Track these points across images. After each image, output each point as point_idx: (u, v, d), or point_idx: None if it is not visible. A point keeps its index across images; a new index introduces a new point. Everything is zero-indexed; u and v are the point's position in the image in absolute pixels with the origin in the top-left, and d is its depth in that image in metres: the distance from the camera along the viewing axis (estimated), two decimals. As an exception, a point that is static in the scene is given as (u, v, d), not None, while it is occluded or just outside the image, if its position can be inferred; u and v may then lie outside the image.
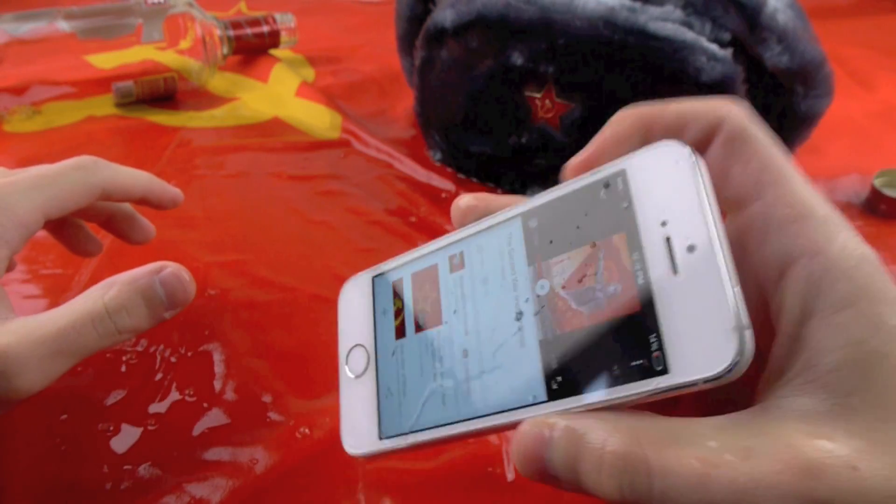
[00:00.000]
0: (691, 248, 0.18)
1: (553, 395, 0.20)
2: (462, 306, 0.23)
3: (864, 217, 0.51)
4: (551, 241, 0.21)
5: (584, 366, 0.19)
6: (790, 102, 0.45)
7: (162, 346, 0.37)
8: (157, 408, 0.33)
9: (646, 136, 0.22)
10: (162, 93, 0.63)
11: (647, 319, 0.18)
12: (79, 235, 0.37)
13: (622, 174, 0.20)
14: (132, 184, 0.34)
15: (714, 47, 0.41)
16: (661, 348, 0.18)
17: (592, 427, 0.18)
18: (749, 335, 0.17)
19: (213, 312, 0.40)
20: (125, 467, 0.31)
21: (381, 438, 0.24)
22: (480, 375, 0.22)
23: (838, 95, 0.47)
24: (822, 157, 0.57)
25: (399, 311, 0.26)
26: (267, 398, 0.34)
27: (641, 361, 0.18)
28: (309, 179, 0.53)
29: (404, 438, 0.23)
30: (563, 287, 0.21)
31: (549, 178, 0.49)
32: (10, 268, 0.30)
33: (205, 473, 0.30)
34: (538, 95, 0.46)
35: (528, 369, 0.20)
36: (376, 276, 0.27)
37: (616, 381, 0.18)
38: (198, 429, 0.33)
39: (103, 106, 0.62)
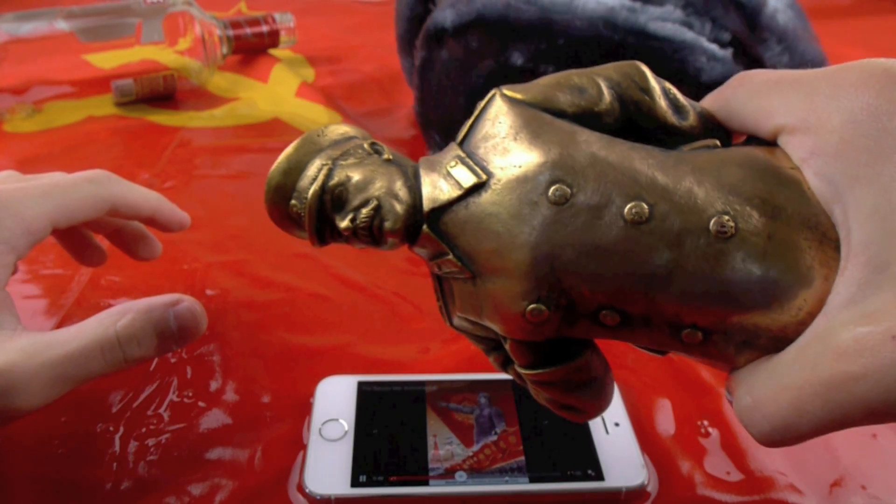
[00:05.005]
0: (616, 424, 0.32)
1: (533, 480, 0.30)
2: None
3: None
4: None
5: (556, 469, 0.31)
6: (790, 102, 0.45)
7: (162, 346, 0.37)
8: (157, 408, 0.33)
9: None
10: (161, 91, 0.63)
11: (594, 452, 0.31)
12: (84, 244, 0.37)
13: None
14: (142, 203, 0.34)
15: (714, 47, 0.41)
16: (600, 467, 0.31)
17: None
18: (648, 471, 0.31)
19: (213, 312, 0.39)
20: (125, 467, 0.31)
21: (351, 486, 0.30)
22: (468, 470, 0.30)
23: (838, 95, 0.47)
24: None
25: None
26: (267, 398, 0.34)
27: (591, 471, 0.30)
28: (309, 179, 0.53)
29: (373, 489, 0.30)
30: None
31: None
32: (13, 272, 0.30)
33: (205, 473, 0.31)
34: (538, 95, 0.46)
35: (513, 467, 0.31)
36: (361, 382, 0.35)
37: (579, 479, 0.30)
38: (198, 429, 0.33)
39: (103, 106, 0.62)
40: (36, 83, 0.60)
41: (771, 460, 0.32)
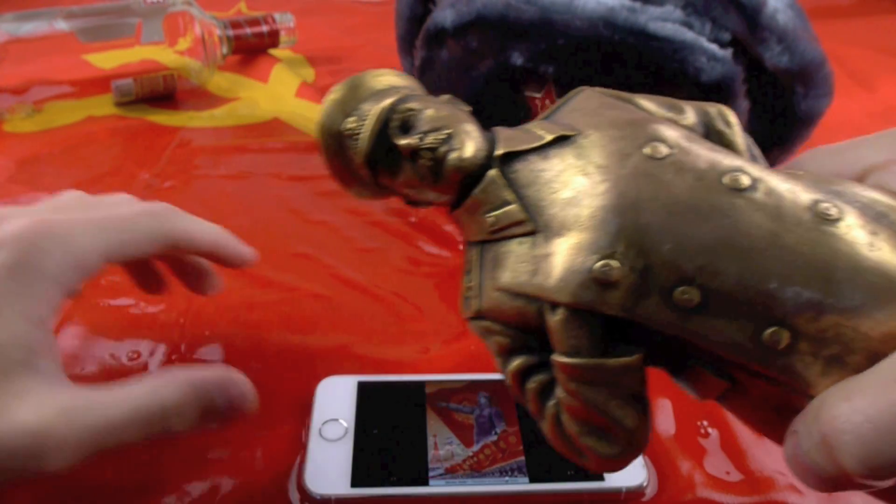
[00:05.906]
0: None
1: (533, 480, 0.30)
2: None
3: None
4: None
5: (556, 469, 0.30)
6: (790, 102, 0.45)
7: (163, 346, 0.37)
8: (157, 408, 0.33)
9: None
10: (161, 91, 0.63)
11: None
12: (145, 272, 0.36)
13: None
14: (201, 238, 0.32)
15: (714, 47, 0.41)
16: None
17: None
18: (647, 471, 0.31)
19: (213, 312, 0.40)
20: (125, 467, 0.31)
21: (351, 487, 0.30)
22: (469, 469, 0.30)
23: (838, 95, 0.47)
24: (821, 158, 0.57)
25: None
26: (267, 398, 0.34)
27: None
28: (309, 179, 0.53)
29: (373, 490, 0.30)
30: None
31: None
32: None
33: (205, 473, 0.31)
34: (538, 96, 0.46)
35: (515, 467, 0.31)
36: (361, 382, 0.35)
37: (579, 479, 0.30)
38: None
39: (103, 106, 0.62)
40: (36, 83, 0.60)
41: (771, 460, 0.32)
